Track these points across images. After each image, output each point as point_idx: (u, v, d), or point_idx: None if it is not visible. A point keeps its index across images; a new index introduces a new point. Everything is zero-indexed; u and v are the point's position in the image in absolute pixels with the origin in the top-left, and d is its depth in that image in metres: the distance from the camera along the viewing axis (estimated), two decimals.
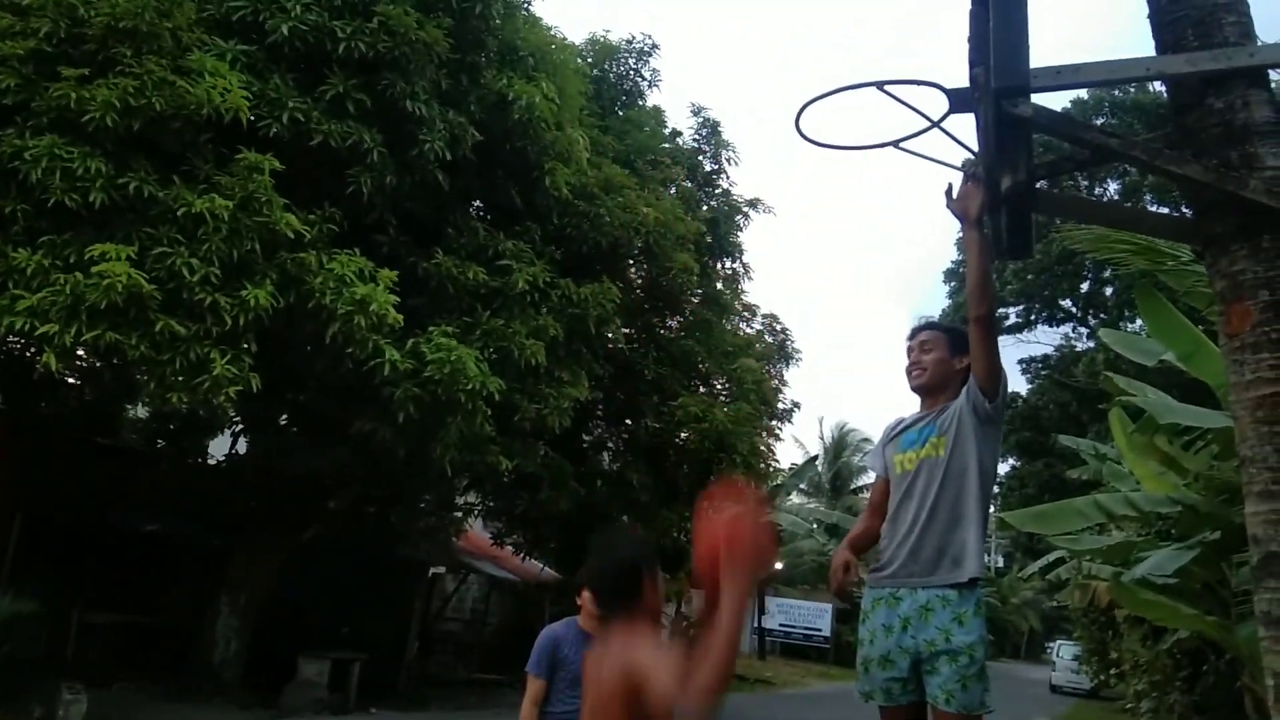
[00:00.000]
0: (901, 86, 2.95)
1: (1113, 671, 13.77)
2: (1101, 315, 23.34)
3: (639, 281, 13.56)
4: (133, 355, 6.75)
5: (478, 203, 10.42)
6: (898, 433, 3.38)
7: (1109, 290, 23.56)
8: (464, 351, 8.48)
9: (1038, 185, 2.84)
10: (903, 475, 3.26)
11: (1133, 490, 8.31)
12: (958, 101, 2.93)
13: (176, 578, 12.59)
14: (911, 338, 3.39)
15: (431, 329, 8.59)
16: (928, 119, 2.96)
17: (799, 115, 3.10)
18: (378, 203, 8.40)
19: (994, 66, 2.36)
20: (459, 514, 14.84)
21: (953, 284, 24.88)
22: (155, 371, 6.90)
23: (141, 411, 15.14)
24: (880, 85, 2.89)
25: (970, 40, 2.55)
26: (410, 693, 13.66)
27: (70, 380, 11.76)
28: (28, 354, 10.95)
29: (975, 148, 2.97)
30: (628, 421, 14.05)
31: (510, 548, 16.54)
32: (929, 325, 3.49)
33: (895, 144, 3.17)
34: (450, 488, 13.57)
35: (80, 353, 7.28)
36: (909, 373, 3.35)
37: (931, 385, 3.30)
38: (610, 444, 14.79)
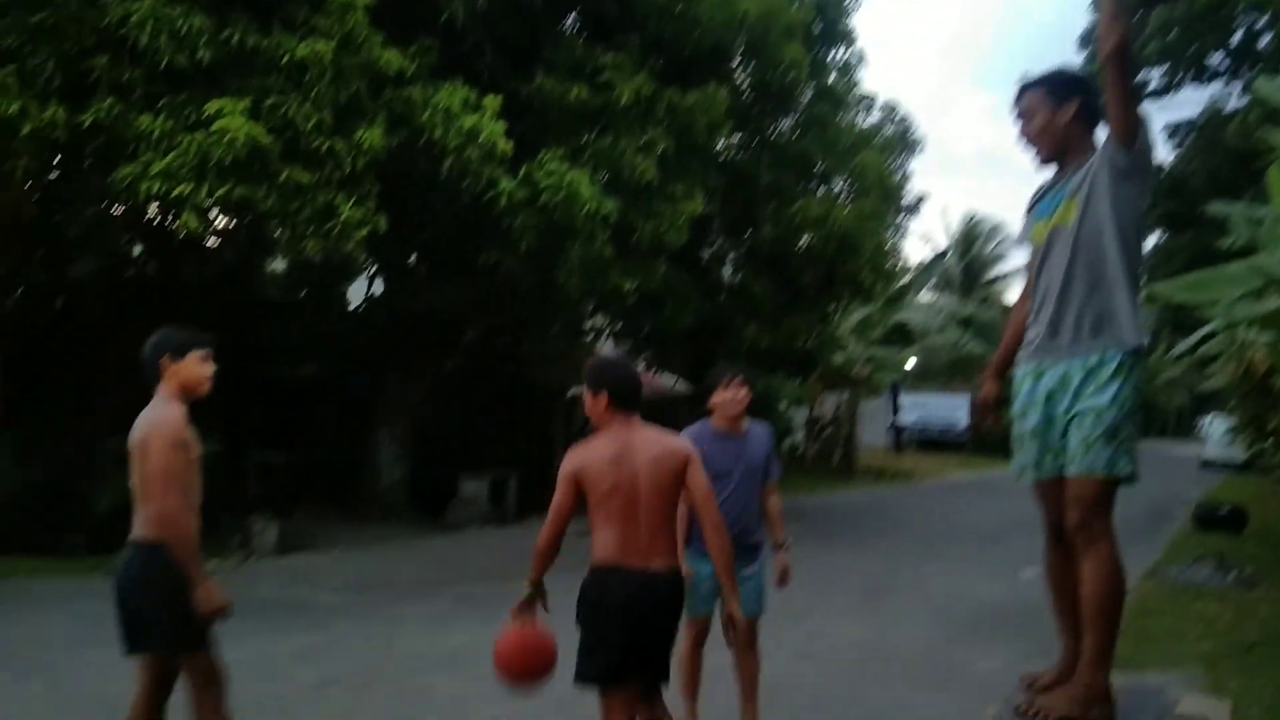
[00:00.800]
0: None
1: (1270, 442, 13.31)
2: (1255, 68, 21.09)
3: (746, 83, 13.01)
4: (263, 207, 7.00)
5: (575, 19, 10.06)
6: (1034, 203, 3.19)
7: (1263, 41, 21.14)
8: (576, 175, 8.43)
9: None
10: (1037, 248, 3.09)
11: None
12: None
13: (335, 415, 13.53)
14: (1014, 109, 3.12)
15: (541, 154, 8.55)
16: None
17: None
18: (473, 28, 8.22)
19: None
20: (588, 338, 15.18)
21: (1089, 49, 22.85)
22: (287, 221, 7.16)
23: (279, 265, 15.89)
24: None
25: None
26: None
27: (209, 244, 12.37)
28: (166, 219, 11.53)
29: None
30: (746, 231, 13.85)
31: (641, 366, 16.97)
32: (1025, 86, 3.15)
33: None
34: (577, 312, 13.86)
35: (214, 212, 7.54)
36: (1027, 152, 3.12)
37: (1049, 154, 3.06)
38: (730, 255, 14.68)
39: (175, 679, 3.40)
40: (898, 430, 29.25)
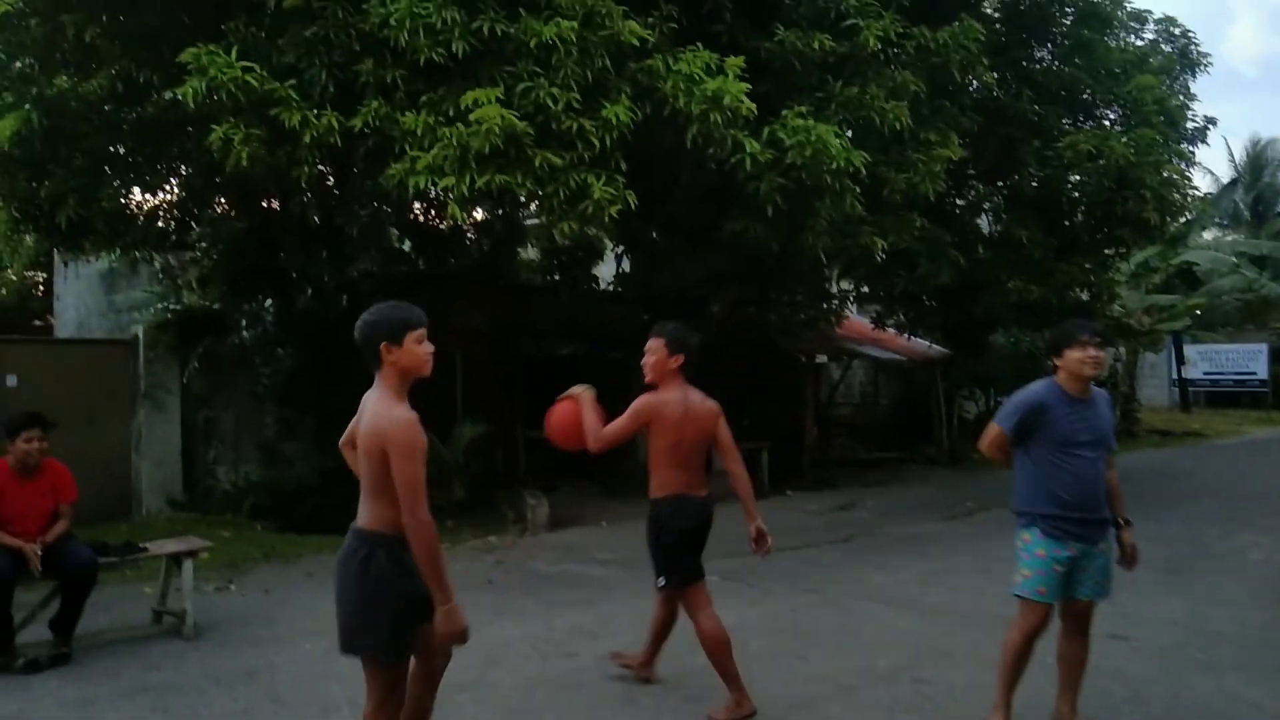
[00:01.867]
0: None
1: None
2: None
3: (997, 12, 11.93)
4: (521, 193, 7.13)
5: None
6: None
7: None
8: (822, 129, 7.99)
9: None
10: None
11: None
12: None
13: (596, 393, 13.87)
14: None
15: (785, 112, 8.17)
16: None
17: None
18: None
19: None
20: (835, 303, 14.66)
21: None
22: (543, 205, 7.26)
23: (531, 253, 16.53)
24: None
25: None
26: (816, 475, 14.16)
27: (468, 237, 13.02)
28: (429, 214, 12.22)
29: None
30: (1007, 175, 12.77)
31: (893, 329, 16.23)
32: None
33: None
34: (823, 276, 13.39)
35: (473, 203, 7.76)
36: None
37: None
38: (989, 203, 13.61)
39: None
40: (1184, 385, 26.36)
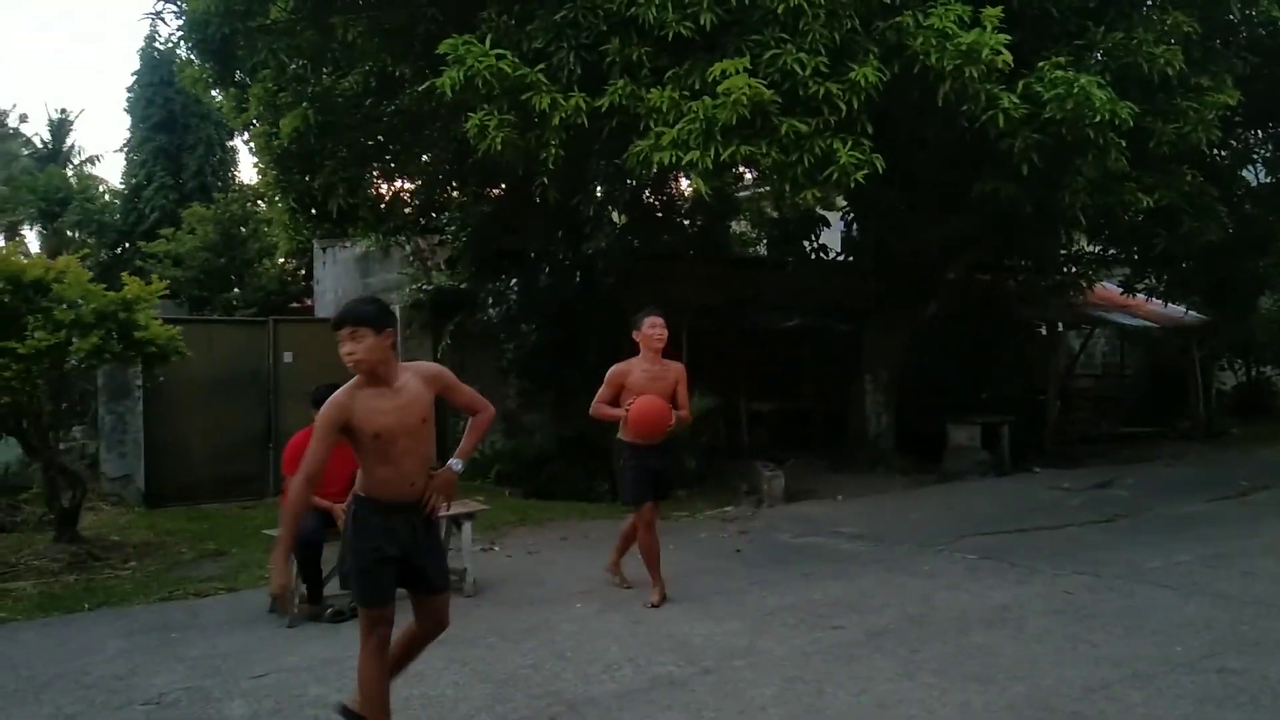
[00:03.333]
0: None
1: None
2: None
3: None
4: (764, 164, 7.07)
5: None
6: None
7: None
8: (1084, 80, 7.42)
9: None
10: None
11: None
12: None
13: (819, 365, 13.70)
14: None
15: (1042, 64, 7.66)
16: None
17: None
18: None
19: None
20: (1084, 267, 13.65)
21: None
22: (786, 174, 7.16)
23: (743, 227, 16.45)
24: None
25: None
26: (1059, 451, 13.34)
27: (682, 214, 13.10)
28: (654, 194, 12.37)
29: None
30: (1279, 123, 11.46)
31: (1143, 294, 15.01)
32: None
33: None
34: (1070, 240, 12.52)
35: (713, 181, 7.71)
36: None
37: None
38: (1261, 153, 12.26)
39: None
40: None
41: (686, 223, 13.34)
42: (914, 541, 8.00)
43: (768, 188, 10.01)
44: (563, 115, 7.33)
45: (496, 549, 7.83)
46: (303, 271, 17.32)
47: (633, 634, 5.41)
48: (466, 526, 6.33)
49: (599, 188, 9.85)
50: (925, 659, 4.87)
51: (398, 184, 11.43)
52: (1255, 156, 12.47)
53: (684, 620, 5.66)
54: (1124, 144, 7.90)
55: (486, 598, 6.25)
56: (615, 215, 12.11)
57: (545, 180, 8.65)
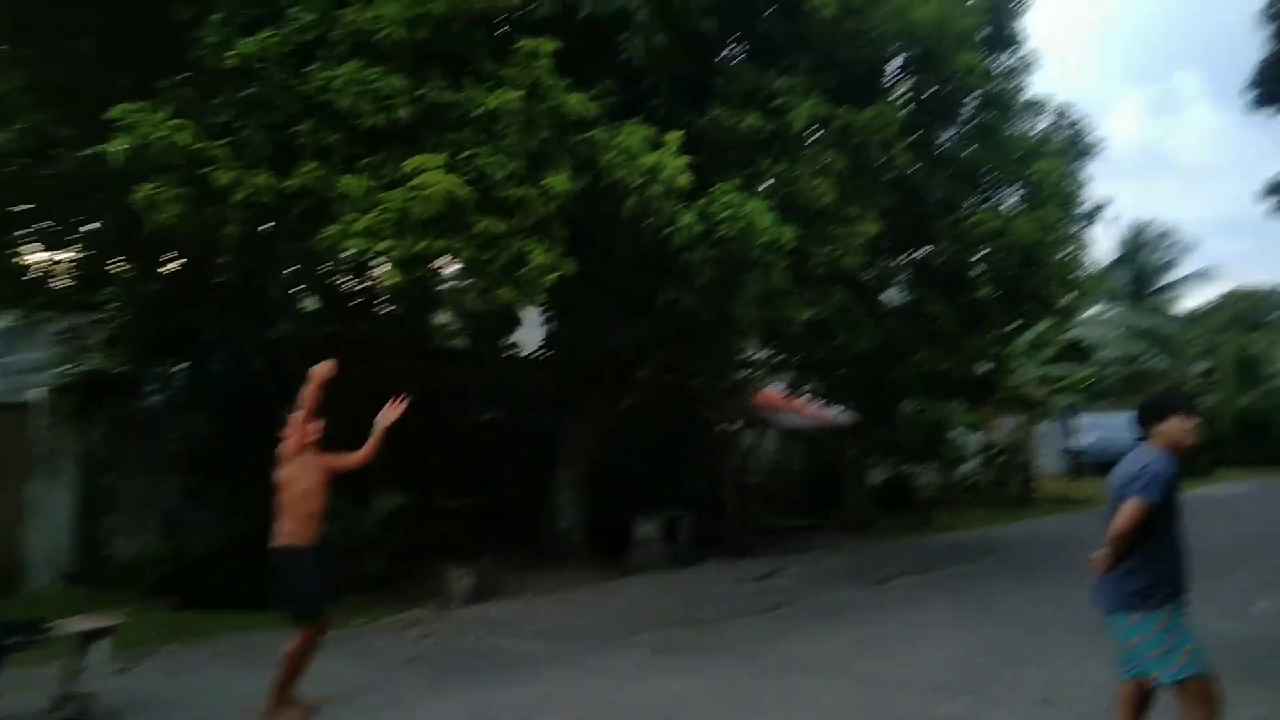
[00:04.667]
0: None
1: None
2: None
3: (909, 97, 12.56)
4: (461, 259, 7.09)
5: (743, 46, 9.93)
6: None
7: None
8: (752, 205, 8.24)
9: None
10: None
11: None
12: None
13: (516, 460, 13.69)
14: None
15: (716, 187, 8.40)
16: None
17: None
18: (649, 66, 8.20)
19: None
20: (756, 372, 14.90)
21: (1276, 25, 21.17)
22: (482, 271, 7.22)
23: (445, 318, 16.33)
24: None
25: None
26: (735, 542, 14.20)
27: (382, 301, 12.82)
28: (352, 280, 12.01)
29: None
30: (918, 250, 13.31)
31: (806, 397, 16.55)
32: None
33: None
34: (744, 347, 13.64)
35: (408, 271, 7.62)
36: None
37: None
38: (900, 277, 14.14)
39: None
40: (1076, 454, 27.56)
41: (385, 312, 13.02)
42: (596, 638, 8.10)
43: (470, 281, 10.03)
44: (248, 193, 6.94)
45: (138, 669, 6.92)
46: None
47: None
48: (98, 644, 5.54)
49: (285, 270, 9.39)
50: None
51: (53, 255, 10.18)
52: (896, 280, 14.35)
53: None
54: (786, 263, 8.78)
55: None
56: (309, 300, 11.60)
57: (226, 258, 8.10)
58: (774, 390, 16.78)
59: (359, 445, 5.95)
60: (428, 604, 9.63)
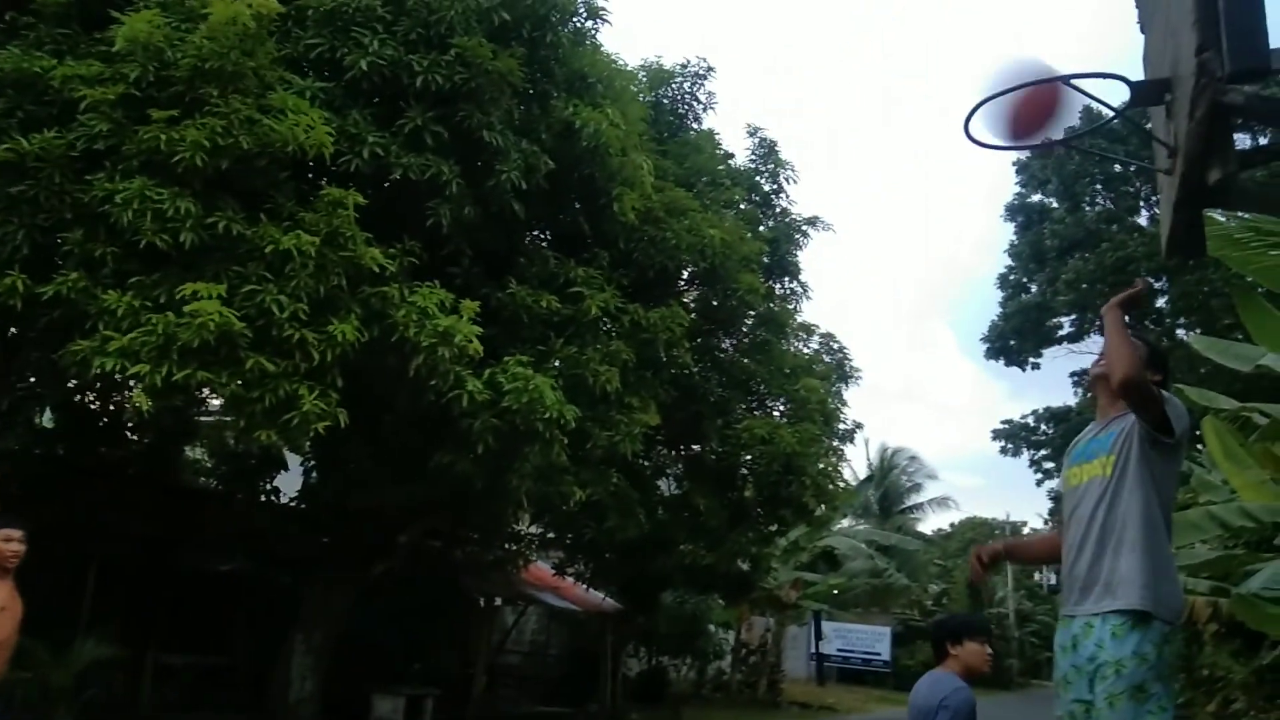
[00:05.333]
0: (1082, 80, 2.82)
1: (1200, 690, 13.36)
2: (1152, 323, 22.97)
3: (695, 304, 13.46)
4: (223, 394, 6.73)
5: (547, 232, 10.40)
6: (1074, 445, 3.23)
7: (1162, 300, 23.21)
8: (540, 380, 8.39)
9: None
10: (1071, 490, 3.12)
11: (1227, 501, 8.05)
12: (1140, 94, 2.82)
13: (249, 617, 12.58)
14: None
15: (507, 359, 8.52)
16: (1112, 109, 2.84)
17: (969, 117, 2.98)
18: (454, 235, 8.38)
19: (1229, 48, 2.22)
20: (524, 546, 14.68)
21: (1017, 220, 25.11)
22: (245, 410, 6.86)
23: (199, 453, 15.22)
24: (1066, 80, 2.77)
25: (1197, 22, 2.40)
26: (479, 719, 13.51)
27: (128, 427, 11.84)
28: (98, 400, 11.05)
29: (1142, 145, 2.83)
30: (691, 446, 13.89)
31: (571, 578, 16.41)
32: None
33: (1066, 143, 3.04)
34: (515, 519, 13.47)
35: (161, 399, 7.14)
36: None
37: (1106, 400, 3.15)
38: (672, 469, 14.62)
39: None
40: (820, 659, 28.54)
41: (134, 438, 11.99)
42: None
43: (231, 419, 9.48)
44: None
45: None
46: None
47: None
48: None
49: (22, 382, 8.53)
50: None
51: None
52: (668, 472, 14.82)
53: None
54: (566, 441, 8.90)
55: None
56: (40, 417, 10.50)
57: None
58: (541, 568, 16.53)
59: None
60: None
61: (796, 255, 14.26)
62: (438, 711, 12.40)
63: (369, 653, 12.88)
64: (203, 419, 13.09)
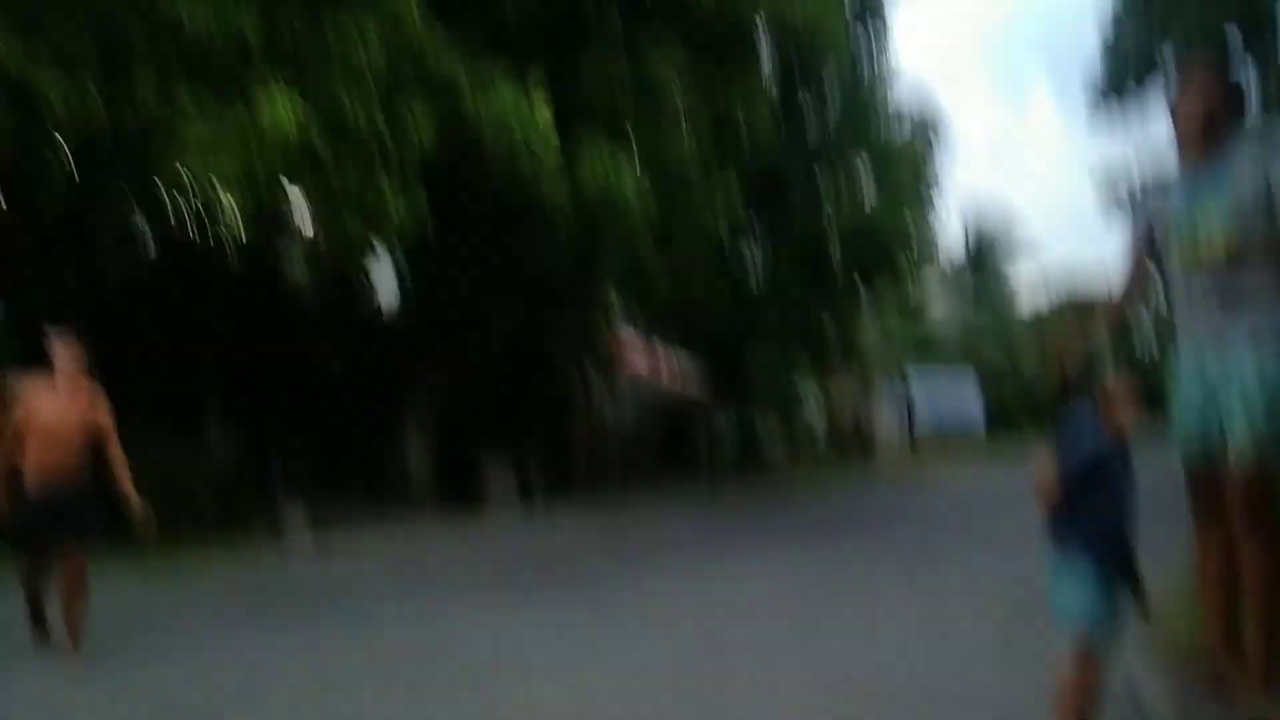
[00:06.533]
0: None
1: None
2: None
3: (776, 68, 12.74)
4: (311, 201, 6.81)
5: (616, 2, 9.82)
6: (1184, 187, 2.97)
7: None
8: (619, 164, 8.24)
9: None
10: (1198, 235, 2.90)
11: None
12: None
13: (363, 406, 13.38)
14: (1180, 84, 3.01)
15: (585, 144, 8.33)
16: None
17: None
18: (517, 10, 7.98)
19: None
20: (615, 318, 14.87)
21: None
22: (331, 212, 6.96)
23: (295, 272, 15.61)
24: None
25: None
26: (584, 488, 14.35)
27: (229, 233, 12.11)
28: (197, 212, 11.29)
29: None
30: (778, 219, 13.65)
31: (663, 353, 16.75)
32: (1200, 65, 3.04)
33: None
34: (608, 301, 13.62)
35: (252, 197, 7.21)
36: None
37: (1201, 140, 2.88)
38: (758, 244, 14.48)
39: None
40: (910, 416, 29.07)
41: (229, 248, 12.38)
42: (434, 579, 8.03)
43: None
44: (72, 104, 6.40)
45: None
46: None
47: (106, 691, 4.76)
48: None
49: (117, 203, 8.71)
50: (432, 696, 4.82)
51: None
52: (759, 246, 14.56)
53: (173, 672, 5.08)
54: (648, 223, 8.83)
55: None
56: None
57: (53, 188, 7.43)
58: (631, 338, 16.90)
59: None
60: (266, 543, 9.36)
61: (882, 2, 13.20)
62: (546, 476, 13.23)
63: (474, 425, 13.68)
64: (293, 225, 13.35)
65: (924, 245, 13.86)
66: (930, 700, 4.61)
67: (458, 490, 12.40)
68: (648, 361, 17.29)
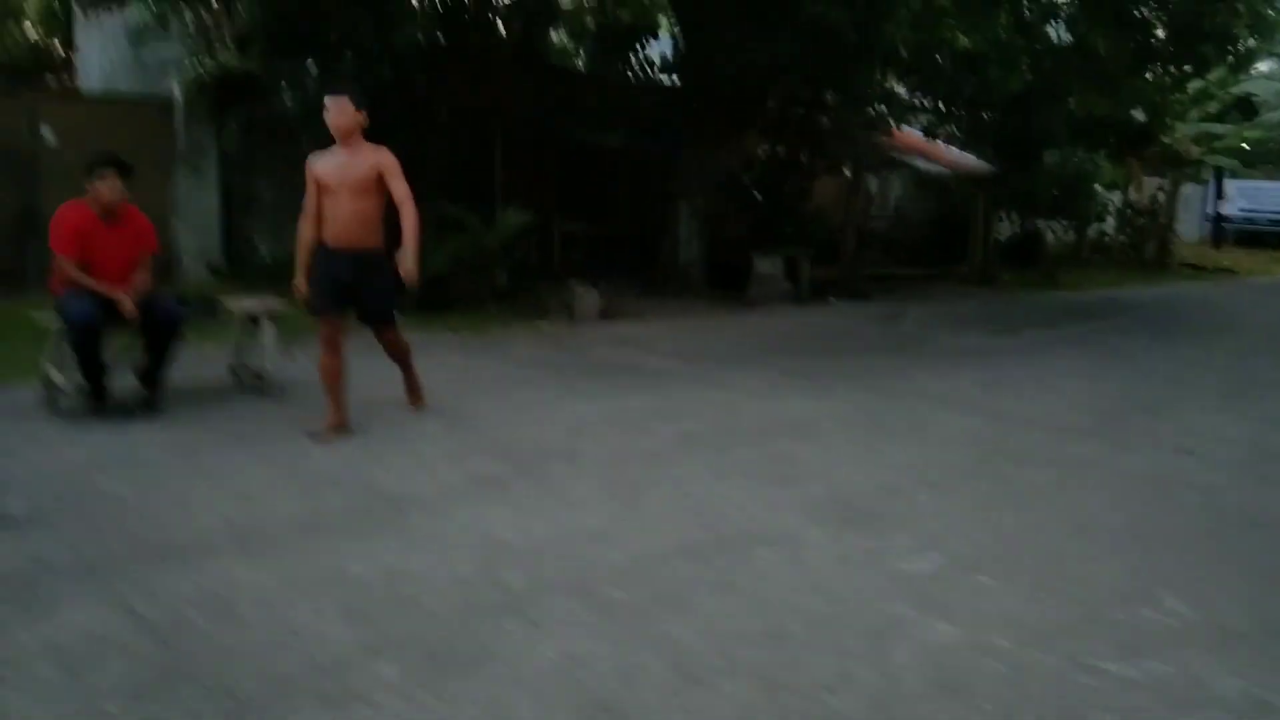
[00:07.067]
0: None
1: None
2: None
3: None
4: None
5: None
6: None
7: None
8: None
9: None
10: None
11: None
12: None
13: (634, 188, 13.55)
14: None
15: None
16: None
17: None
18: None
19: None
20: (893, 110, 13.98)
21: None
22: None
23: (563, 37, 15.65)
24: None
25: None
26: (852, 286, 14.04)
27: (495, 15, 12.23)
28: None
29: None
30: None
31: (942, 141, 15.68)
32: None
33: None
34: (885, 77, 12.73)
35: None
36: None
37: None
38: (1063, 9, 12.79)
39: None
40: (1219, 220, 25.88)
41: (501, 24, 12.53)
42: (721, 360, 8.25)
43: None
44: None
45: (295, 353, 7.38)
46: (56, 42, 15.07)
47: (449, 436, 5.30)
48: (267, 323, 5.88)
49: None
50: (734, 462, 5.05)
51: None
52: (1060, 14, 12.97)
53: (501, 424, 5.59)
54: None
55: (291, 399, 5.91)
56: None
57: None
58: (910, 132, 15.86)
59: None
60: (556, 319, 9.91)
61: None
62: (813, 271, 12.99)
63: (746, 219, 13.55)
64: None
65: (1270, 11, 11.69)
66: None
67: (728, 283, 12.46)
68: (925, 156, 16.20)
